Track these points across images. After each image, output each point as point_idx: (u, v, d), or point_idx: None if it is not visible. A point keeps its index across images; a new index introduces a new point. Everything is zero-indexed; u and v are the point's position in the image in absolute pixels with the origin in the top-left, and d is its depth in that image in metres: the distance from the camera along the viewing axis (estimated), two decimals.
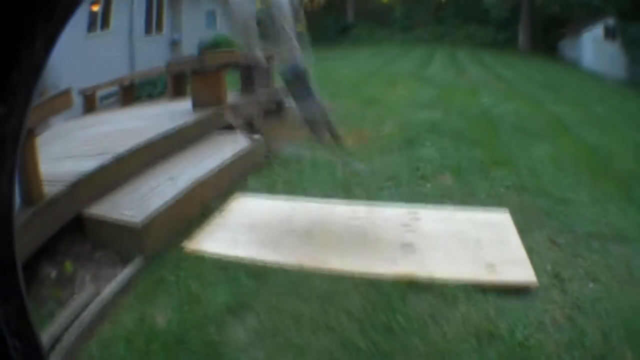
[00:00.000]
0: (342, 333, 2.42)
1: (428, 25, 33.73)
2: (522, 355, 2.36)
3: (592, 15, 29.85)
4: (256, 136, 5.50)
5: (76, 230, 3.56)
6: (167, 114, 5.88)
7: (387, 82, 11.85)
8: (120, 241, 3.46)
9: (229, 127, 5.84)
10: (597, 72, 26.17)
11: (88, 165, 3.85)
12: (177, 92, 7.88)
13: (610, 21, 28.99)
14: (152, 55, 13.60)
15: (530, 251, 3.36)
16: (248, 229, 3.64)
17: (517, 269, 3.07)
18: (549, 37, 32.66)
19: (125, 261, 3.35)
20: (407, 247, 3.27)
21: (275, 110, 7.19)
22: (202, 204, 3.98)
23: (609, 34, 28.90)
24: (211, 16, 19.33)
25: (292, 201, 4.16)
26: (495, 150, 6.05)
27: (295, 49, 4.04)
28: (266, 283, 2.91)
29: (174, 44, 16.66)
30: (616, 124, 10.20)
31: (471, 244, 3.34)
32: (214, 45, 17.05)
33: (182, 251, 3.41)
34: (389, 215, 3.77)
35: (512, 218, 3.85)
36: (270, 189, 4.54)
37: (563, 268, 3.22)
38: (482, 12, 31.89)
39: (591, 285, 3.08)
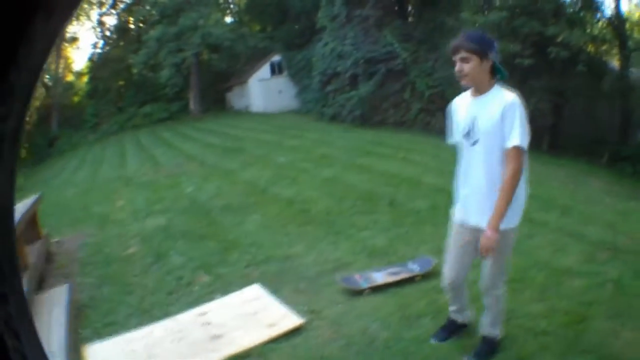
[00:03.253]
0: None
1: (113, 116, 34.08)
2: None
3: (258, 59, 32.72)
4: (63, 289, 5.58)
5: None
6: None
7: (105, 195, 12.44)
8: None
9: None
10: (268, 112, 29.46)
11: None
12: None
13: (276, 57, 32.44)
14: None
15: (287, 303, 4.88)
16: None
17: (287, 319, 4.62)
18: (217, 95, 35.09)
19: None
20: (217, 337, 4.53)
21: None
22: None
23: (275, 70, 32.49)
24: None
25: (124, 338, 4.78)
26: (221, 238, 7.28)
27: None
28: None
29: None
30: (300, 166, 12.21)
31: (252, 317, 4.77)
32: None
33: None
34: (190, 320, 4.89)
35: (264, 287, 5.28)
36: (99, 333, 4.94)
37: (314, 304, 4.87)
38: (158, 89, 33.27)
39: (338, 306, 4.82)
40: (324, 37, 25.85)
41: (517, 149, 3.18)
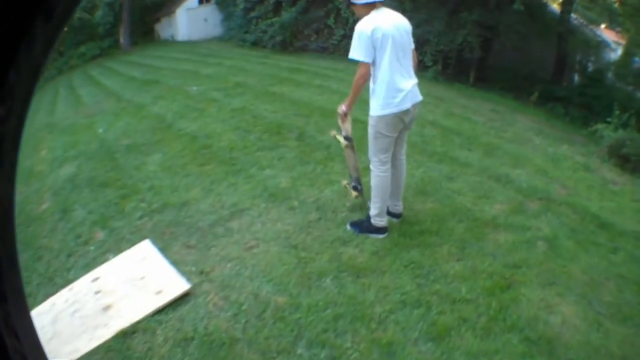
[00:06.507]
0: None
1: (54, 61, 33.04)
2: (212, 338, 3.41)
3: None
4: None
5: None
6: None
7: (32, 146, 11.08)
8: None
9: None
10: (192, 40, 28.65)
11: None
12: None
13: None
14: None
15: (176, 263, 4.35)
16: None
17: (175, 285, 4.10)
18: (146, 28, 34.47)
19: None
20: (107, 308, 4.12)
21: None
22: None
23: None
24: None
25: (34, 312, 4.27)
26: (121, 184, 6.66)
27: None
28: None
29: None
30: (210, 97, 11.51)
31: (140, 282, 4.29)
32: None
33: None
34: (84, 289, 4.41)
35: (154, 244, 4.75)
36: None
37: (203, 263, 4.34)
38: (93, 29, 32.80)
39: (228, 264, 4.28)
40: None
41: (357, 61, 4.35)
